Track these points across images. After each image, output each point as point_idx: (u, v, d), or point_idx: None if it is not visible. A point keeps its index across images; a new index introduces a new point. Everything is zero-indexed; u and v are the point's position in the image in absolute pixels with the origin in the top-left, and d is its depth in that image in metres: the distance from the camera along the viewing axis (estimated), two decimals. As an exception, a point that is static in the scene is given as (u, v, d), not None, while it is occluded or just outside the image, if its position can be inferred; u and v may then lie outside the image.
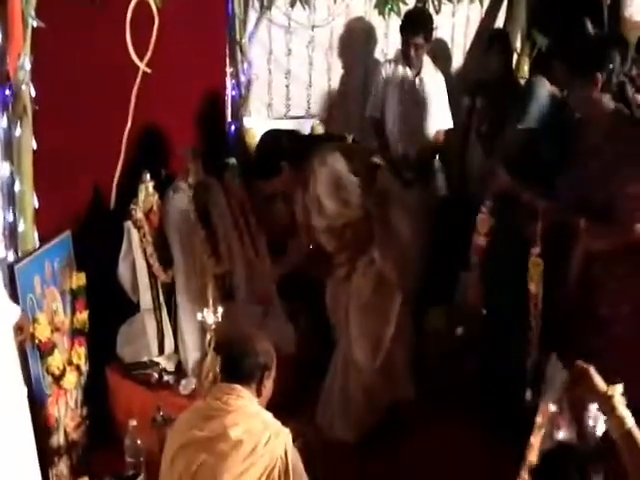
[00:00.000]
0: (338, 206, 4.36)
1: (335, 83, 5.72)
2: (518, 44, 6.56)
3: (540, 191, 4.00)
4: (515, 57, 6.47)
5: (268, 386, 3.32)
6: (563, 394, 2.94)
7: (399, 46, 5.70)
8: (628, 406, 2.67)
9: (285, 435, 3.16)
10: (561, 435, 2.97)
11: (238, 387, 3.20)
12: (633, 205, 3.66)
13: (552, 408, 2.98)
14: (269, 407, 3.32)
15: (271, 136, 4.58)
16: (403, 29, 5.53)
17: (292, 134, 4.64)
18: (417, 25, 5.52)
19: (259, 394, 3.26)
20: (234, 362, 3.27)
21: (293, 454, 3.16)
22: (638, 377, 2.95)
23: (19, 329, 3.56)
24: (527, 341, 4.12)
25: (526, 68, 6.51)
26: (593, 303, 3.90)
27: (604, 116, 3.76)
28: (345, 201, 4.36)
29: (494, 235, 4.30)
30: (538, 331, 4.10)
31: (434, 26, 5.85)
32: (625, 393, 2.70)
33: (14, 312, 3.49)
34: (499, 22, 6.53)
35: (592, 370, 2.77)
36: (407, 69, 5.63)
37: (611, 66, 3.63)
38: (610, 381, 2.75)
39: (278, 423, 3.20)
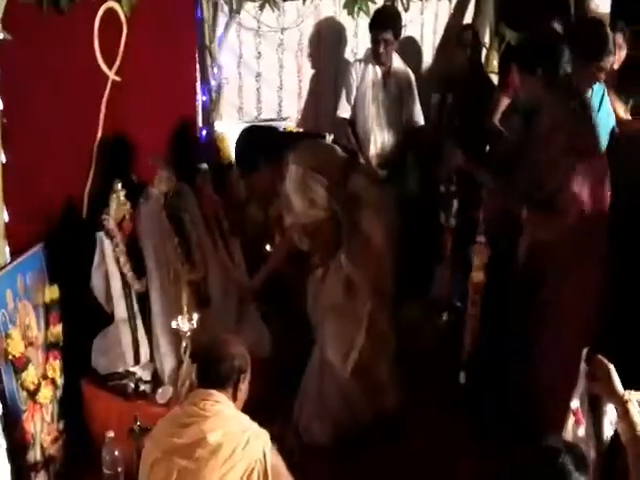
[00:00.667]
0: (304, 205, 4.37)
1: (306, 85, 5.70)
2: (487, 39, 6.58)
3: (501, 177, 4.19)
4: (484, 52, 6.49)
5: (244, 389, 3.35)
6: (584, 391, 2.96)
7: (369, 45, 5.71)
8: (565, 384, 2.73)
9: (264, 437, 3.19)
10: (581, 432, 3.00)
11: (214, 392, 3.22)
12: (569, 197, 3.87)
13: (575, 404, 3.00)
14: (247, 410, 3.35)
15: (250, 132, 4.61)
16: (372, 26, 5.56)
17: (271, 131, 4.64)
18: (386, 21, 5.56)
19: (235, 398, 3.29)
20: (209, 367, 3.30)
21: (272, 456, 3.18)
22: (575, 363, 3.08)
23: None
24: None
25: (495, 63, 6.53)
26: (537, 291, 4.11)
27: (552, 109, 3.99)
28: (311, 200, 4.37)
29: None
30: (477, 317, 4.24)
31: (403, 23, 5.88)
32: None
33: None
34: (468, 17, 6.54)
35: (612, 370, 2.80)
36: (377, 67, 5.64)
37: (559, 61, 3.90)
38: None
39: (256, 425, 3.23)
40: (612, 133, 4.68)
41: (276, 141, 4.59)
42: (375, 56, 5.60)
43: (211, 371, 3.27)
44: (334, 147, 4.74)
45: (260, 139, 4.53)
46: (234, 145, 4.71)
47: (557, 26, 5.36)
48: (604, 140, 4.47)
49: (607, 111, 4.71)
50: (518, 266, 4.27)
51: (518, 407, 4.22)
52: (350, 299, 4.47)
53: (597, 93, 4.58)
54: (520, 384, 4.22)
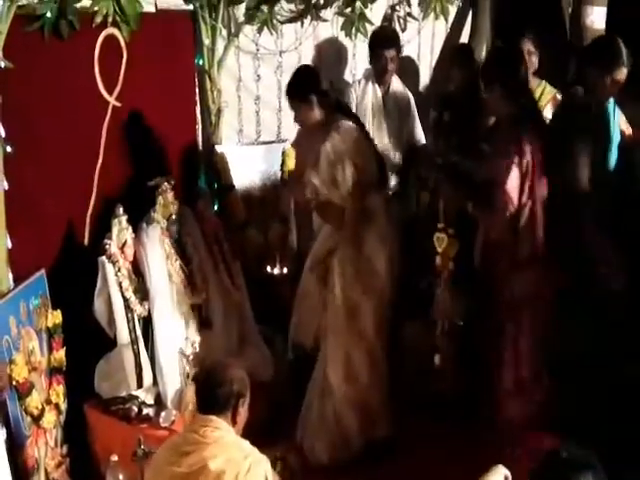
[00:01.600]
0: (326, 177, 4.35)
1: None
2: (483, 57, 6.61)
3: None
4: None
5: (243, 413, 3.33)
6: None
7: (367, 65, 5.75)
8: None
9: (265, 462, 3.19)
10: None
11: (214, 418, 3.22)
12: (500, 195, 4.10)
13: None
14: (249, 432, 3.35)
15: (307, 68, 4.74)
16: (376, 44, 5.57)
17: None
18: (390, 39, 5.59)
19: (235, 422, 3.28)
20: (208, 392, 3.29)
21: None
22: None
23: None
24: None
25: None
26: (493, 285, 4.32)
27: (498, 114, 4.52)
28: (334, 180, 4.35)
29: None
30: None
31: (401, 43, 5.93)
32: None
33: None
34: (464, 36, 6.58)
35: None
36: (376, 87, 5.67)
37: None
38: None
39: (256, 451, 3.22)
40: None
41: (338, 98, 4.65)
42: (378, 74, 5.61)
43: (210, 396, 3.27)
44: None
45: (314, 77, 4.55)
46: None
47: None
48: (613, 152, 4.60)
49: (618, 123, 4.77)
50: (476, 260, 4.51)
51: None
52: (352, 322, 4.48)
53: (610, 105, 4.70)
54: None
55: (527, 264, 4.24)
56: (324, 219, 4.64)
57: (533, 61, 5.43)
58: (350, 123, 4.48)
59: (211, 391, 3.27)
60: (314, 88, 4.46)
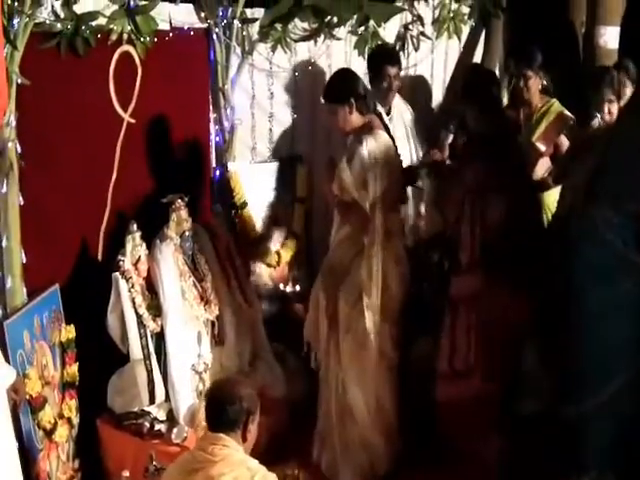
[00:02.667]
0: (359, 177, 4.31)
1: (318, 124, 5.74)
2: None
3: None
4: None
5: (253, 431, 3.33)
6: None
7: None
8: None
9: (269, 474, 3.20)
10: None
11: (223, 436, 3.22)
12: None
13: None
14: (261, 449, 3.36)
15: (347, 71, 4.71)
16: (378, 62, 5.43)
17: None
18: (392, 55, 5.55)
19: (244, 439, 3.28)
20: (217, 410, 3.30)
21: None
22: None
23: (14, 391, 3.56)
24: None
25: (505, 100, 6.58)
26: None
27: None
28: (364, 182, 4.30)
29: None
30: None
31: (414, 62, 5.95)
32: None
33: (10, 373, 3.50)
34: (477, 56, 6.60)
35: None
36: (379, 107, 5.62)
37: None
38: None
39: (264, 469, 3.22)
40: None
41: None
42: (382, 94, 5.47)
43: (219, 414, 3.27)
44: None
45: (354, 80, 4.51)
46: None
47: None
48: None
49: None
50: None
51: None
52: (370, 346, 4.45)
53: None
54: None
55: (466, 269, 4.59)
56: (345, 219, 4.50)
57: (530, 85, 5.45)
58: (385, 134, 4.48)
59: (220, 409, 3.27)
60: (354, 91, 4.41)
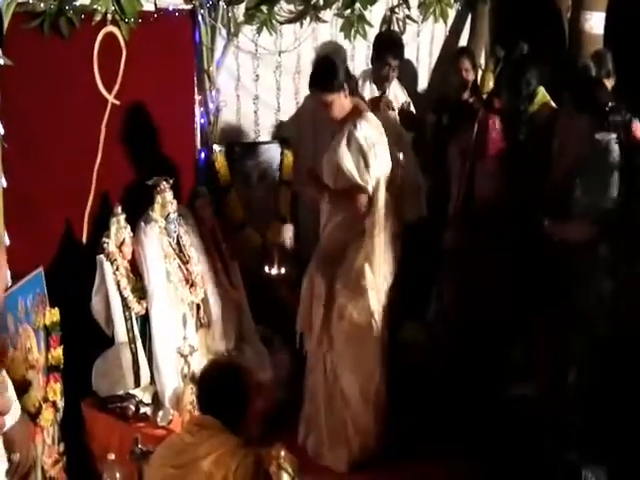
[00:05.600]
0: (362, 161, 4.30)
1: (303, 107, 5.72)
2: (482, 60, 6.62)
3: None
4: (479, 73, 6.52)
5: (243, 415, 3.31)
6: None
7: (364, 67, 5.75)
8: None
9: (255, 461, 3.17)
10: None
11: (209, 418, 3.22)
12: None
13: None
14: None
15: (330, 59, 4.56)
16: (380, 49, 5.53)
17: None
18: (395, 49, 5.56)
19: (234, 423, 3.26)
20: (208, 393, 3.29)
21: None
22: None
23: None
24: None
25: (491, 84, 6.57)
26: None
27: None
28: (367, 163, 4.29)
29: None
30: None
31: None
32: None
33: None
34: (463, 40, 6.59)
35: None
36: (374, 88, 5.65)
37: None
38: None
39: (249, 450, 3.20)
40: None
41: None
42: (379, 80, 5.56)
43: (208, 398, 3.28)
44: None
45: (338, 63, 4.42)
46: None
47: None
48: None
49: None
50: None
51: None
52: (369, 328, 4.46)
53: None
54: None
55: (450, 224, 4.87)
56: (339, 207, 4.44)
57: (470, 79, 5.63)
58: (372, 114, 4.47)
59: (211, 393, 3.27)
60: (345, 78, 4.37)
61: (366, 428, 4.56)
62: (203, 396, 3.36)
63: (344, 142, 4.31)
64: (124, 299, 4.39)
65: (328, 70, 4.39)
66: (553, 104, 5.28)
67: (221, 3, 4.99)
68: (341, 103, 4.35)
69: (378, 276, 4.41)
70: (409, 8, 6.05)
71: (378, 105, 5.24)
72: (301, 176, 4.95)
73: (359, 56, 5.87)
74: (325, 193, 4.44)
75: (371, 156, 4.30)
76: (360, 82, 5.67)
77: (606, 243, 4.11)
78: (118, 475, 3.89)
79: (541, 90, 5.39)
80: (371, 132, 4.34)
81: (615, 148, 4.18)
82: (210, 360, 4.03)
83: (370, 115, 4.42)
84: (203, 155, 5.22)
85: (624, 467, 3.81)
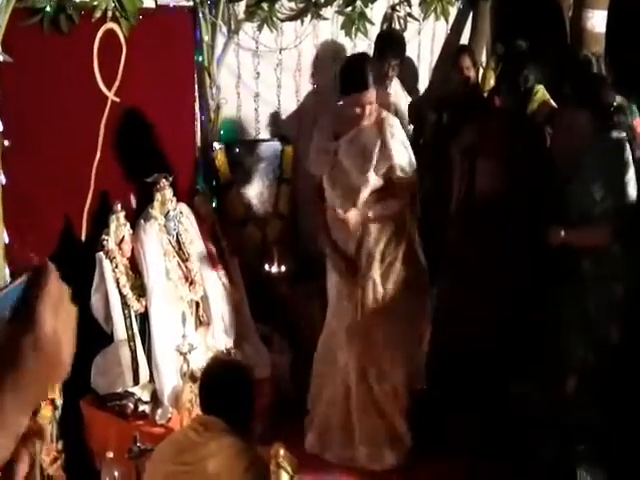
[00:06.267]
0: (408, 157, 4.35)
1: (304, 105, 5.72)
2: (483, 58, 6.61)
3: None
4: (480, 71, 6.51)
5: (245, 415, 3.30)
6: None
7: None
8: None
9: (262, 462, 3.17)
10: None
11: (214, 418, 3.19)
12: None
13: None
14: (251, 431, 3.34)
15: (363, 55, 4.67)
16: (381, 48, 5.52)
17: None
18: (397, 48, 5.54)
19: (236, 424, 3.24)
20: (211, 393, 3.28)
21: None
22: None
23: None
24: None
25: (492, 82, 6.56)
26: None
27: None
28: (411, 160, 4.35)
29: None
30: None
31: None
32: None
33: None
34: (464, 38, 6.57)
35: None
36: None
37: None
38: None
39: (255, 452, 3.20)
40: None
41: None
42: (381, 78, 5.52)
43: (212, 398, 3.26)
44: None
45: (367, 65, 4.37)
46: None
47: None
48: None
49: None
50: None
51: None
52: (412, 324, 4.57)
53: None
54: None
55: (450, 222, 4.87)
56: (396, 204, 4.41)
57: (472, 75, 5.67)
58: None
59: (214, 393, 3.26)
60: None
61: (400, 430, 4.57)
62: (207, 395, 3.33)
63: (393, 139, 4.30)
64: (123, 297, 4.38)
65: (366, 69, 4.28)
66: (553, 103, 5.28)
67: (222, 0, 4.96)
68: (381, 99, 4.41)
69: (420, 269, 4.51)
70: (410, 6, 6.03)
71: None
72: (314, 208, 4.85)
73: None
74: (362, 202, 4.36)
75: (410, 148, 4.38)
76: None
77: (623, 244, 4.08)
78: (116, 473, 3.89)
79: (541, 89, 5.39)
80: (399, 125, 4.40)
81: (627, 146, 4.15)
82: (212, 358, 4.02)
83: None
84: (203, 152, 5.21)
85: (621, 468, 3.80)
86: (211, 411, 3.24)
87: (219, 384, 3.31)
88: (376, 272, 4.41)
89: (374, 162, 4.31)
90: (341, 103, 4.44)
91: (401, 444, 4.57)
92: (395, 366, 4.50)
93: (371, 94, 4.24)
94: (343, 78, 4.34)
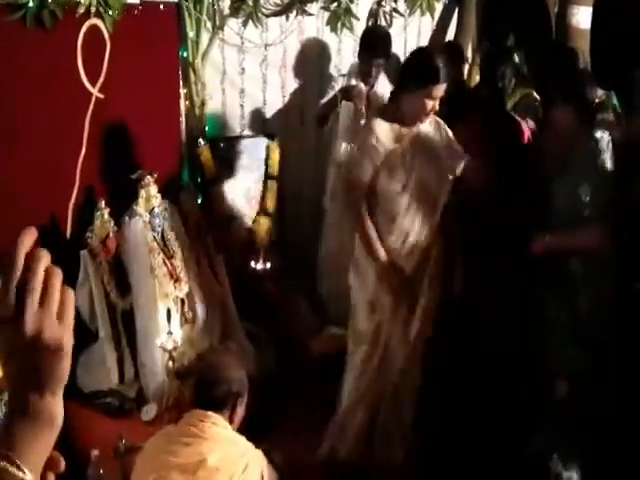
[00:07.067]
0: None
1: (289, 100, 5.70)
2: (469, 54, 6.61)
3: None
4: (467, 67, 6.52)
5: (240, 413, 3.31)
6: None
7: (352, 60, 5.72)
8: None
9: (261, 459, 3.18)
10: None
11: (211, 414, 3.19)
12: None
13: None
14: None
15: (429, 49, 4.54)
16: (366, 49, 5.43)
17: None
18: (381, 46, 5.49)
19: (231, 421, 3.26)
20: (205, 391, 3.26)
21: (270, 476, 3.20)
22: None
23: None
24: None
25: (477, 77, 6.57)
26: None
27: None
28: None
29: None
30: None
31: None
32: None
33: None
34: (450, 33, 6.57)
35: None
36: (361, 84, 5.62)
37: None
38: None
39: (252, 447, 3.20)
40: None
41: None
42: (363, 75, 5.51)
43: (207, 395, 3.24)
44: None
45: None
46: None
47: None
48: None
49: None
50: None
51: None
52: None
53: None
54: None
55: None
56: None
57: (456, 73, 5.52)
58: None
59: (208, 390, 3.24)
60: None
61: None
62: (196, 393, 3.33)
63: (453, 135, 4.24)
64: (108, 294, 4.37)
65: (441, 61, 3.97)
66: (535, 95, 5.29)
67: (206, -4, 4.95)
68: None
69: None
70: (396, 1, 6.01)
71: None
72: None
73: (346, 50, 5.84)
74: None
75: None
76: (347, 79, 5.65)
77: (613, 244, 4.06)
78: (102, 471, 3.87)
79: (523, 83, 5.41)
80: None
81: (610, 146, 4.11)
82: (204, 353, 4.01)
83: None
84: (188, 149, 5.19)
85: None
86: (205, 406, 3.22)
87: (204, 380, 3.30)
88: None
89: (449, 162, 4.17)
90: (407, 97, 4.03)
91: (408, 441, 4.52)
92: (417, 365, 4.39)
93: (442, 87, 3.95)
94: (413, 71, 3.99)
